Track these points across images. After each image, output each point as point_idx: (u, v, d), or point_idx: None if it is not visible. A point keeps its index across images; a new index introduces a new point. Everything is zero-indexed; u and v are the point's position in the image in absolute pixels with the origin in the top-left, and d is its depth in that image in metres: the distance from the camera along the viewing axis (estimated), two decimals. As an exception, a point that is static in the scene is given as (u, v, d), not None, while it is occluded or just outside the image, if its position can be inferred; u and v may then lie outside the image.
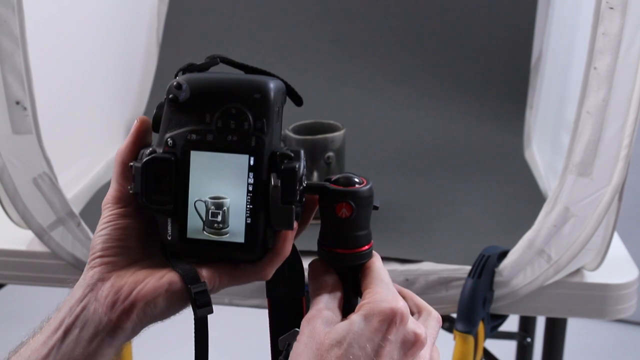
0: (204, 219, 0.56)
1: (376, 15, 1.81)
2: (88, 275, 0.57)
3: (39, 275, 1.19)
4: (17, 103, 1.05)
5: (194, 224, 0.57)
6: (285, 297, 0.65)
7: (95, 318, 0.55)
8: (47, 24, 1.31)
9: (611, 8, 0.96)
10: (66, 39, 1.41)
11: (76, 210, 1.15)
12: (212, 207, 0.56)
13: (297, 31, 1.82)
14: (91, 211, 1.33)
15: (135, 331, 0.56)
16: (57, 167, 1.13)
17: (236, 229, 0.56)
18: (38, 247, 1.17)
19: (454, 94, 1.74)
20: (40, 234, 1.13)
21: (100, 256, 0.57)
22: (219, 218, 0.56)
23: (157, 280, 0.56)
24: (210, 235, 0.57)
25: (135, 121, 0.60)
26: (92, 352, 0.54)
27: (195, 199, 0.56)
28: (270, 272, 0.59)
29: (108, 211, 0.59)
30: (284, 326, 0.64)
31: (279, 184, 0.55)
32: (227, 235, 0.56)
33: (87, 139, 1.54)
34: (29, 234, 1.17)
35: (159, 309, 0.56)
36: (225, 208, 0.56)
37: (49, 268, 1.18)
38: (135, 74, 1.78)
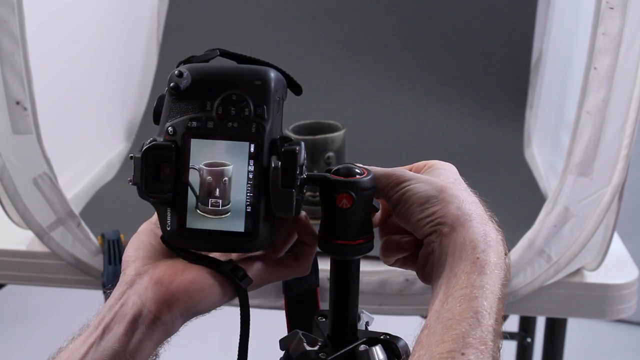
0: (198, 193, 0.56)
1: (376, 15, 1.81)
2: (125, 274, 0.57)
3: (39, 275, 1.19)
4: (17, 103, 1.05)
5: (194, 200, 0.56)
6: (301, 291, 0.67)
7: (135, 310, 0.54)
8: (47, 24, 1.31)
9: (611, 8, 0.96)
10: (66, 39, 1.41)
11: (76, 210, 1.15)
12: (209, 177, 0.56)
13: (297, 31, 1.82)
14: (91, 211, 1.33)
15: (175, 326, 0.56)
16: (57, 167, 1.13)
17: (236, 217, 0.56)
18: (38, 247, 1.17)
19: (454, 94, 1.74)
20: (40, 234, 1.13)
21: (133, 258, 0.58)
22: (218, 193, 0.56)
23: (195, 272, 0.56)
24: (209, 215, 0.56)
25: None
26: (134, 346, 0.54)
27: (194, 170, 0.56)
28: (308, 266, 0.61)
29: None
30: (301, 319, 0.65)
31: (280, 166, 0.55)
32: (227, 214, 0.56)
33: (87, 139, 1.54)
34: (29, 234, 1.17)
35: (200, 301, 0.56)
36: (226, 178, 0.56)
37: (49, 268, 1.18)
38: (135, 74, 1.78)
